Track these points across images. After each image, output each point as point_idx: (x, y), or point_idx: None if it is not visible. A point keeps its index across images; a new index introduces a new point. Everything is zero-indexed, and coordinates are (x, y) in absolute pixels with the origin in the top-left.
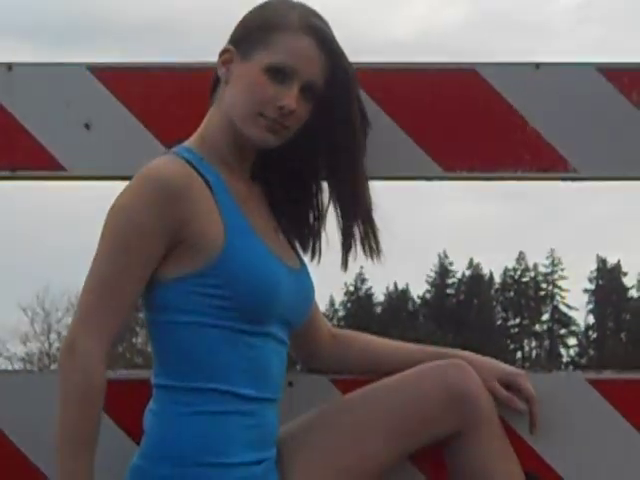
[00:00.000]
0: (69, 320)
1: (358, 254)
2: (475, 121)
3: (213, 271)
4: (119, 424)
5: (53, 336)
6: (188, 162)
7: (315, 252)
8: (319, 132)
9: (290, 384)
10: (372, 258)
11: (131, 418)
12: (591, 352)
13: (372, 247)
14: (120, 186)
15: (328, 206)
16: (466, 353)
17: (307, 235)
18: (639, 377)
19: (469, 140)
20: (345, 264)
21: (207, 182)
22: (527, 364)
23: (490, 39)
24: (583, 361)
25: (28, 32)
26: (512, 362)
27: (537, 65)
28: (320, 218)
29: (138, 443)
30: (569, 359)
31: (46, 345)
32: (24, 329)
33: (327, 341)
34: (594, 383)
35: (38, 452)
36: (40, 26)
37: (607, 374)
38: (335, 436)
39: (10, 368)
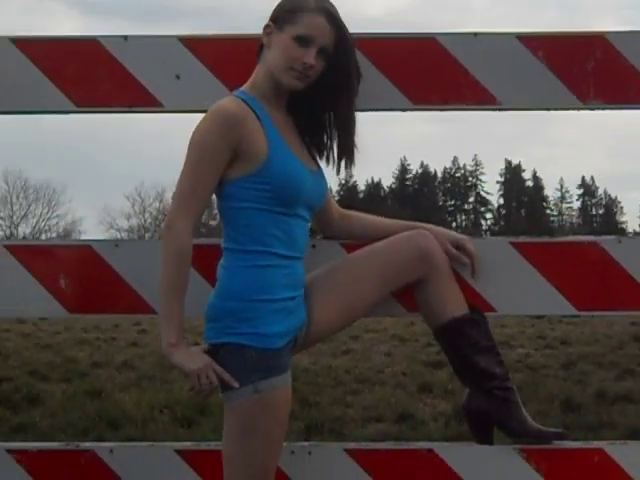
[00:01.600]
0: (157, 204)
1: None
2: (434, 73)
3: (260, 173)
4: (201, 274)
5: (147, 215)
6: (243, 100)
7: (329, 160)
8: (330, 80)
9: (313, 246)
10: (348, 166)
11: (209, 270)
12: (501, 222)
13: (350, 160)
14: (199, 117)
15: (336, 128)
16: (428, 225)
17: (322, 149)
18: (545, 240)
19: (430, 84)
20: (338, 170)
21: (256, 114)
22: (459, 231)
23: (433, 15)
24: (496, 228)
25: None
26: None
27: (475, 34)
28: (331, 138)
29: (214, 286)
30: (487, 227)
31: (142, 221)
32: (127, 210)
33: (337, 218)
34: (514, 244)
35: (149, 294)
36: (123, 9)
37: (522, 238)
38: (343, 280)
39: (119, 237)
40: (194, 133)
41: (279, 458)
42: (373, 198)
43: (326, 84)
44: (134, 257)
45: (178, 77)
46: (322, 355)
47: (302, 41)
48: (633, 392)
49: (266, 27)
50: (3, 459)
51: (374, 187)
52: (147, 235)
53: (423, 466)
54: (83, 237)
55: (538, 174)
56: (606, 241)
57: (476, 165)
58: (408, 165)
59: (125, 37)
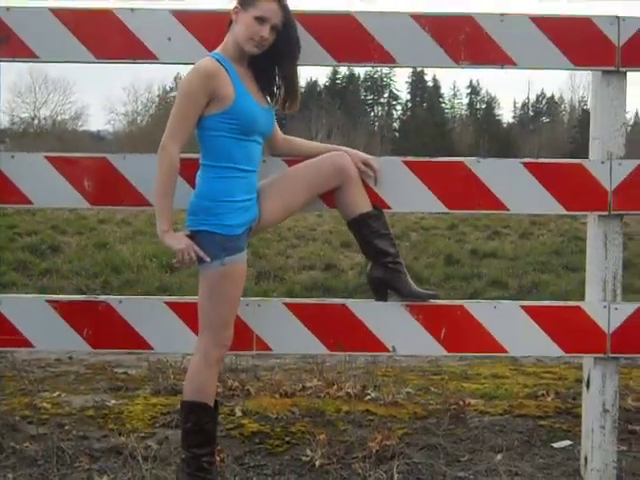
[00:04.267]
0: (146, 94)
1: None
2: (351, 39)
3: (228, 110)
4: (185, 180)
5: (139, 102)
6: (217, 60)
7: (277, 102)
8: (279, 47)
9: (264, 161)
10: (292, 107)
11: (191, 177)
12: (408, 113)
13: (293, 103)
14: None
15: (282, 81)
16: (345, 148)
17: (272, 94)
18: (427, 159)
19: (349, 47)
20: (283, 109)
21: (226, 69)
22: (376, 119)
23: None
24: (404, 117)
25: None
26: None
27: (381, 13)
28: (278, 87)
29: (193, 189)
30: (397, 116)
31: (135, 107)
32: (123, 99)
33: (281, 141)
34: (404, 162)
35: (147, 191)
36: None
37: (410, 157)
38: (284, 186)
39: (116, 119)
40: (182, 83)
41: (237, 310)
42: (311, 93)
43: (276, 50)
44: (137, 166)
45: (169, 39)
46: None
47: (260, 20)
48: (497, 250)
49: (234, 8)
50: (43, 306)
51: (312, 84)
52: (139, 118)
53: (338, 315)
54: (89, 120)
55: (436, 77)
56: (469, 161)
57: (390, 69)
58: (338, 68)
59: (132, 9)
